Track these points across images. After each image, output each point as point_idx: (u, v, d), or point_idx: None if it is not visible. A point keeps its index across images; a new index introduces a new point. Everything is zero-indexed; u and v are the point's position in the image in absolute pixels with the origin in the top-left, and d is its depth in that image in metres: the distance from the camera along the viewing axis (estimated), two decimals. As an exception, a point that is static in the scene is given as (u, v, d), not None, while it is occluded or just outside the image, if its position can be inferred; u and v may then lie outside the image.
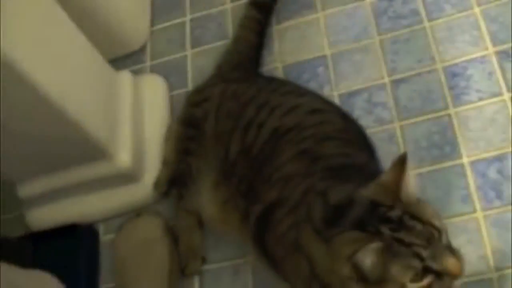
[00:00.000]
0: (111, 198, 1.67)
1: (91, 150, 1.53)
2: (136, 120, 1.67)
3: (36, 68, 1.30)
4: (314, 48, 1.73)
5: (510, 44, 1.56)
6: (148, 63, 1.88)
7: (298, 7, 1.80)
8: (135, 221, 1.58)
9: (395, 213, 1.00)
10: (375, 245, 0.95)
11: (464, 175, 1.44)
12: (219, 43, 1.83)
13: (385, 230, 0.99)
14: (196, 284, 1.53)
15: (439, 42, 1.62)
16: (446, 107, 1.53)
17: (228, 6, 1.89)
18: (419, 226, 0.99)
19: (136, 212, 1.60)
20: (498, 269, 1.33)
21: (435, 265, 0.98)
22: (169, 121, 1.74)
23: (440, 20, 1.65)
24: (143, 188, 1.65)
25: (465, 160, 1.46)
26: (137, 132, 1.65)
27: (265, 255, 1.28)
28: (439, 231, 1.00)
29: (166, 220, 1.57)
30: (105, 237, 1.66)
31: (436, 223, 1.01)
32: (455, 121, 1.51)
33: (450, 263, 0.99)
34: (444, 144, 1.49)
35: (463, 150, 1.47)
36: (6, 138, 1.42)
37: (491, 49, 1.57)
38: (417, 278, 0.97)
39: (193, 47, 1.86)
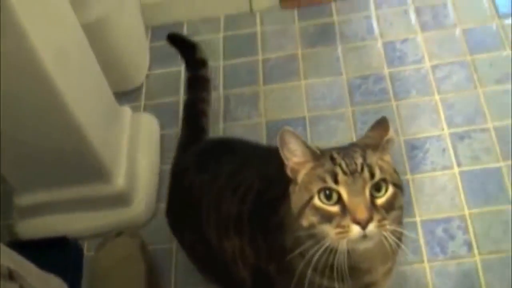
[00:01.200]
0: (101, 218, 1.78)
1: (93, 171, 1.66)
2: (132, 151, 1.81)
3: (63, 82, 1.43)
4: (295, 110, 1.95)
5: (462, 128, 1.84)
6: (142, 102, 2.06)
7: (284, 73, 2.05)
8: (115, 240, 1.68)
9: (352, 148, 1.03)
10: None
11: (415, 231, 1.68)
12: (210, 93, 2.03)
13: (334, 152, 1.02)
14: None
15: (403, 119, 1.88)
16: (405, 173, 1.77)
17: (221, 62, 2.11)
18: (358, 160, 0.99)
19: (116, 232, 1.70)
20: (439, 311, 1.57)
21: (343, 194, 0.97)
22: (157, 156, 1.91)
23: (405, 101, 1.92)
24: (133, 212, 1.79)
25: (417, 218, 1.70)
26: (132, 161, 1.79)
27: None
28: (372, 174, 0.98)
29: (144, 240, 1.69)
30: (87, 254, 1.76)
31: (377, 171, 0.98)
32: (411, 186, 1.76)
33: (355, 201, 0.96)
34: (401, 204, 1.73)
35: (416, 210, 1.72)
36: (19, 147, 1.55)
37: (446, 130, 1.84)
38: (324, 196, 0.98)
39: (185, 93, 2.02)
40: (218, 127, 1.95)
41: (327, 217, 0.98)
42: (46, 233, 1.74)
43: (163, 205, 1.78)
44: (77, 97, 1.51)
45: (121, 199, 1.76)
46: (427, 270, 1.62)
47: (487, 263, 1.61)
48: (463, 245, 1.65)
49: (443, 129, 1.85)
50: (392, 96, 1.94)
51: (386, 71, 2.00)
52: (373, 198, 0.98)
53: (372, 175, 0.98)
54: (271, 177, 1.17)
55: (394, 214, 1.01)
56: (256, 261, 1.24)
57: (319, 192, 0.99)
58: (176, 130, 1.95)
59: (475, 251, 1.63)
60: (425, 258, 1.64)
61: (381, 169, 0.99)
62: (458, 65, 1.98)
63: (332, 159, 1.01)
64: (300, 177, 1.04)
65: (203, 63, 1.69)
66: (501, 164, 1.76)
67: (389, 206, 1.00)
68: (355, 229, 0.96)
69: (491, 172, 1.76)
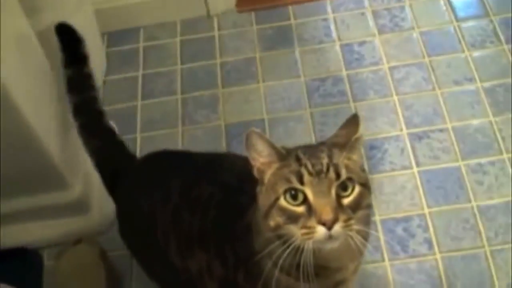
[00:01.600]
0: (60, 227, 1.75)
1: (50, 179, 1.63)
2: (89, 158, 1.75)
3: (21, 96, 1.41)
4: (254, 112, 1.95)
5: (421, 128, 1.86)
6: (99, 108, 2.03)
7: (242, 76, 2.04)
8: (74, 248, 1.66)
9: (319, 148, 1.01)
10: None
11: (376, 230, 1.68)
12: (167, 98, 2.02)
13: (300, 152, 1.01)
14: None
15: (361, 120, 1.86)
16: (364, 174, 1.78)
17: (179, 66, 2.10)
18: (324, 160, 0.98)
19: (74, 241, 1.67)
20: (400, 310, 1.57)
21: (309, 195, 0.96)
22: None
23: (363, 102, 1.93)
24: (91, 219, 1.76)
25: (377, 218, 1.70)
26: (89, 168, 1.71)
27: None
28: (337, 174, 0.96)
29: (103, 248, 1.68)
30: (48, 263, 1.74)
31: (343, 171, 0.97)
32: (371, 185, 1.75)
33: (321, 202, 0.95)
34: (360, 204, 1.73)
35: (376, 210, 1.72)
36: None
37: (405, 131, 1.86)
38: (290, 196, 0.97)
39: (143, 98, 2.04)
40: (177, 131, 1.94)
41: (293, 218, 0.97)
42: (5, 244, 1.70)
43: (121, 211, 1.78)
44: (33, 107, 1.48)
45: (79, 207, 1.74)
46: (388, 268, 1.63)
47: (448, 260, 1.62)
48: (423, 243, 1.65)
49: (401, 130, 1.86)
50: (350, 98, 1.95)
51: (344, 73, 2.01)
52: (339, 198, 0.97)
53: (338, 175, 0.97)
54: (231, 183, 1.16)
55: (361, 213, 0.99)
56: (223, 273, 1.21)
57: (285, 192, 0.98)
58: (134, 135, 1.94)
59: (436, 249, 1.64)
60: (386, 257, 1.64)
61: (347, 168, 0.98)
62: (416, 66, 2.00)
63: (298, 159, 0.99)
64: (267, 177, 1.03)
65: (85, 59, 1.54)
66: (460, 163, 1.78)
67: (356, 205, 0.98)
68: (321, 230, 0.95)
69: (450, 171, 1.77)
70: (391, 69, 2.00)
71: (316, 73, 2.02)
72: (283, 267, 1.03)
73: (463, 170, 1.77)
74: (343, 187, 0.97)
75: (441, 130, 1.84)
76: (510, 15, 2.08)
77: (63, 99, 1.71)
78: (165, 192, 1.31)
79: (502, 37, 2.03)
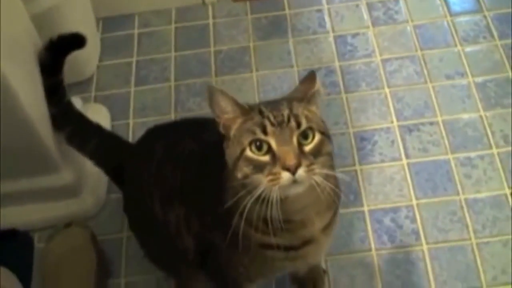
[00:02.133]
0: (51, 210, 1.76)
1: (42, 162, 1.64)
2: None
3: (12, 73, 1.41)
4: (246, 101, 1.84)
5: (411, 121, 1.87)
6: (93, 93, 2.04)
7: (236, 65, 2.05)
8: (65, 231, 1.68)
9: (280, 101, 1.09)
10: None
11: (363, 220, 1.70)
12: (160, 85, 2.03)
13: (262, 106, 1.08)
14: (121, 293, 1.66)
15: (352, 111, 1.90)
16: (354, 164, 1.80)
17: (172, 54, 2.11)
18: (285, 112, 1.04)
19: (65, 223, 1.69)
20: (387, 299, 1.59)
21: (273, 144, 1.02)
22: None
23: (355, 94, 1.94)
24: (82, 203, 1.77)
25: (365, 208, 1.72)
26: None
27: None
28: (298, 124, 1.03)
29: (92, 231, 1.69)
30: (38, 245, 1.74)
31: (303, 121, 1.03)
32: (360, 176, 1.78)
33: (284, 150, 1.01)
34: (349, 193, 1.75)
35: (364, 200, 1.74)
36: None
37: (395, 123, 1.87)
38: (255, 147, 1.03)
39: (136, 84, 2.05)
40: (170, 118, 1.95)
41: (259, 167, 1.03)
42: (-5, 226, 1.70)
43: (113, 196, 1.81)
44: (26, 89, 1.49)
45: (70, 190, 1.74)
46: (375, 258, 1.64)
47: (435, 251, 1.64)
48: (411, 234, 1.67)
49: (392, 122, 1.87)
50: (342, 89, 1.96)
51: (337, 64, 2.02)
52: (301, 145, 1.03)
53: (298, 124, 1.03)
54: (211, 141, 1.19)
55: (322, 159, 1.05)
56: (200, 229, 1.26)
57: (250, 144, 1.03)
58: (126, 121, 1.95)
59: (423, 240, 1.66)
60: (373, 247, 1.66)
61: (307, 118, 1.04)
62: (409, 59, 2.01)
63: (261, 112, 1.06)
64: (232, 132, 1.09)
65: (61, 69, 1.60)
66: (449, 156, 1.79)
67: (317, 152, 1.04)
68: (286, 175, 1.00)
69: (439, 164, 1.79)
70: (384, 61, 2.01)
71: (309, 63, 2.03)
72: (249, 219, 1.08)
73: (452, 163, 1.78)
74: (304, 135, 1.04)
75: (431, 123, 1.86)
76: (503, 11, 2.10)
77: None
78: (151, 152, 1.39)
79: (495, 33, 2.04)
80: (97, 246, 1.67)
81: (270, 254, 1.18)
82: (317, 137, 1.04)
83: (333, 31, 2.10)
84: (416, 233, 1.67)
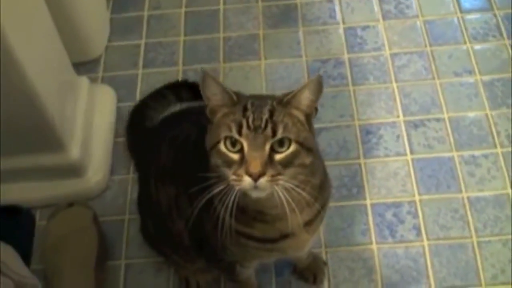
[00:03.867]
0: (54, 188, 1.76)
1: (47, 140, 1.64)
2: (87, 122, 1.80)
3: (22, 49, 1.41)
4: (253, 89, 1.94)
5: (417, 117, 1.87)
6: (100, 74, 2.04)
7: (244, 52, 2.05)
8: (68, 210, 1.69)
9: (266, 102, 1.05)
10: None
11: (365, 214, 1.71)
12: (168, 69, 2.03)
13: (249, 102, 1.05)
14: (122, 274, 1.67)
15: (359, 104, 1.90)
16: (358, 157, 1.80)
17: (181, 38, 2.10)
18: (264, 116, 1.03)
19: (68, 203, 1.70)
20: (385, 292, 1.60)
21: (244, 146, 1.02)
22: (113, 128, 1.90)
23: (362, 87, 1.94)
24: (86, 183, 1.77)
25: (368, 201, 1.73)
26: (87, 132, 1.78)
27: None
28: (274, 131, 1.02)
29: (95, 212, 1.70)
30: (39, 223, 1.75)
31: (280, 130, 1.02)
32: (363, 170, 1.78)
33: (253, 155, 1.01)
34: (352, 186, 1.75)
35: (367, 194, 1.74)
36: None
37: (401, 118, 1.87)
38: (230, 143, 1.04)
39: (144, 67, 2.04)
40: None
41: (228, 163, 1.04)
42: (-1, 200, 1.71)
43: (116, 178, 1.81)
44: (34, 65, 1.48)
45: (75, 170, 1.75)
46: (375, 252, 1.65)
47: (435, 248, 1.65)
48: (412, 229, 1.68)
49: (398, 116, 1.87)
50: (350, 81, 1.95)
51: (345, 56, 2.01)
52: (273, 153, 1.03)
53: (274, 133, 1.02)
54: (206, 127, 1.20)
55: (293, 170, 1.05)
56: (190, 213, 1.26)
57: (225, 139, 1.04)
58: (133, 103, 1.94)
59: (424, 236, 1.66)
60: (373, 240, 1.67)
61: (286, 127, 1.03)
62: (417, 55, 2.01)
63: (245, 109, 1.05)
64: (216, 118, 1.09)
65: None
66: (454, 153, 1.80)
67: (288, 162, 1.04)
68: (247, 180, 1.02)
69: (443, 161, 1.79)
70: (393, 55, 2.00)
71: (318, 54, 2.02)
72: (226, 205, 1.08)
73: (456, 160, 1.78)
74: (280, 143, 1.03)
75: (437, 120, 1.86)
76: (513, 10, 2.10)
77: (66, 61, 1.75)
78: (155, 133, 1.48)
79: (504, 32, 2.04)
80: (98, 227, 1.68)
81: (244, 242, 1.20)
82: (292, 148, 1.04)
83: (343, 22, 2.10)
84: (417, 228, 1.67)
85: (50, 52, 1.65)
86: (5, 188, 1.72)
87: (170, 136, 1.38)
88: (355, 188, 1.75)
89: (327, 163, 1.67)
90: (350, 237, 1.67)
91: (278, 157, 1.03)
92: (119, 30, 2.14)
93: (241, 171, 1.02)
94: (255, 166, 1.01)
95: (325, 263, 1.63)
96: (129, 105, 1.93)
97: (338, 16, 2.11)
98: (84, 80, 1.86)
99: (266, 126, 1.02)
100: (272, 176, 1.02)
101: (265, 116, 1.03)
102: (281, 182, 1.03)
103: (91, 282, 1.59)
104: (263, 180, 1.01)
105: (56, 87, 1.65)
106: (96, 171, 1.79)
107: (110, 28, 2.14)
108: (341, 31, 2.08)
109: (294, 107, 1.06)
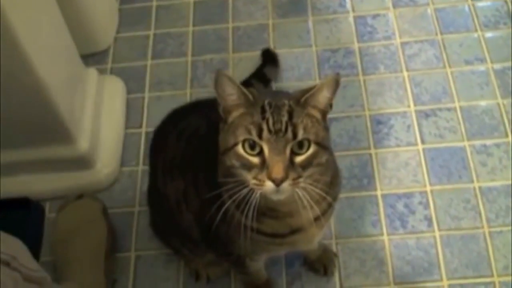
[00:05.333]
0: (64, 180, 1.76)
1: (56, 132, 1.64)
2: (96, 114, 1.80)
3: (30, 41, 1.41)
4: None
5: (428, 106, 1.85)
6: (109, 65, 2.03)
7: (254, 42, 2.03)
8: (77, 202, 1.69)
9: (283, 102, 1.03)
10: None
11: (376, 204, 1.70)
12: (177, 59, 2.02)
13: (266, 103, 1.03)
14: (131, 266, 1.67)
15: (369, 94, 1.89)
16: (368, 147, 1.79)
17: (190, 28, 2.09)
18: (284, 119, 1.01)
19: (77, 195, 1.70)
20: (396, 283, 1.59)
21: (265, 150, 1.01)
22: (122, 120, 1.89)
23: (373, 76, 1.93)
24: (95, 175, 1.77)
25: (378, 192, 1.72)
26: (96, 124, 1.78)
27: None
28: (294, 134, 1.01)
29: (104, 204, 1.70)
30: (49, 215, 1.75)
31: (300, 132, 1.01)
32: (374, 160, 1.77)
33: (274, 160, 1.00)
34: (363, 177, 1.74)
35: (378, 184, 1.73)
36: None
37: (412, 107, 1.85)
38: (248, 146, 1.02)
39: (153, 58, 2.03)
40: (185, 93, 1.94)
41: (248, 166, 1.03)
42: (8, 194, 1.71)
43: (126, 169, 1.81)
44: (43, 57, 1.48)
45: (84, 162, 1.75)
46: (386, 243, 1.64)
47: (446, 239, 1.63)
48: (423, 220, 1.66)
49: (409, 106, 1.86)
50: (360, 71, 1.94)
51: (356, 45, 2.00)
52: (293, 155, 1.02)
53: (294, 135, 1.01)
54: (216, 121, 1.17)
55: (311, 170, 1.04)
56: (199, 205, 1.27)
57: (244, 141, 1.02)
58: (142, 95, 1.95)
59: (435, 226, 1.65)
60: (384, 231, 1.66)
61: (305, 128, 1.02)
62: (428, 43, 1.99)
63: (263, 111, 1.02)
64: (231, 118, 1.07)
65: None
66: (465, 143, 1.78)
67: (308, 163, 1.03)
68: (270, 185, 1.01)
69: (454, 151, 1.77)
70: (403, 44, 1.99)
71: (328, 43, 2.01)
72: (236, 200, 1.08)
73: (468, 150, 1.77)
74: (299, 145, 1.02)
75: (448, 109, 1.84)
76: (526, -3, 2.07)
77: (74, 53, 1.75)
78: (162, 128, 1.45)
79: (516, 19, 2.02)
80: (107, 219, 1.68)
81: (254, 236, 1.19)
82: (312, 149, 1.03)
83: (353, 11, 2.08)
84: (428, 219, 1.66)
85: (58, 44, 1.65)
86: (14, 181, 1.74)
87: (179, 128, 1.37)
88: (365, 178, 1.74)
89: (337, 153, 1.66)
90: (361, 228, 1.66)
91: (298, 159, 1.02)
92: (127, 21, 2.13)
93: (263, 175, 1.01)
94: (278, 171, 0.99)
95: (336, 255, 1.62)
96: (139, 96, 1.94)
97: (348, 5, 2.09)
98: (92, 72, 1.86)
99: (286, 129, 1.01)
100: (294, 179, 1.01)
101: (285, 118, 1.01)
102: (302, 184, 1.03)
103: (100, 274, 1.60)
104: (285, 185, 1.00)
105: (64, 79, 1.65)
106: (106, 163, 1.79)
107: (118, 19, 2.13)
108: (351, 19, 2.06)
109: (312, 107, 1.05)
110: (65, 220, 1.67)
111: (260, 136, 1.01)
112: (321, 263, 1.59)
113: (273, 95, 1.08)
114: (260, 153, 1.01)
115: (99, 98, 1.84)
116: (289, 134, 1.00)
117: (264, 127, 1.01)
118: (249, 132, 1.01)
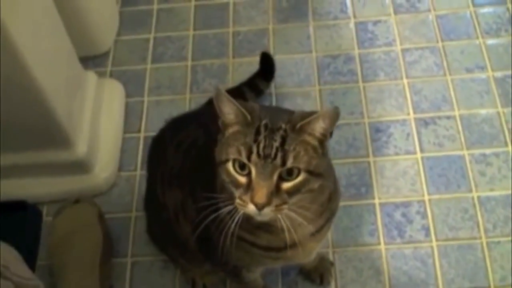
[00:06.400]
0: (61, 184, 1.76)
1: (54, 136, 1.64)
2: (95, 117, 1.79)
3: (28, 45, 1.40)
4: None
5: (428, 114, 1.84)
6: (109, 68, 2.03)
7: (254, 47, 2.02)
8: (73, 207, 1.68)
9: (280, 126, 1.01)
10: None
11: (374, 213, 1.69)
12: (177, 64, 2.01)
13: (262, 125, 1.01)
14: (128, 272, 1.67)
15: (369, 101, 1.88)
16: (367, 156, 1.78)
17: (191, 32, 2.08)
18: (275, 144, 1.00)
19: (74, 199, 1.70)
20: (392, 293, 1.59)
21: (253, 173, 1.00)
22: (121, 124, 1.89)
23: (373, 83, 1.92)
24: (93, 180, 1.77)
25: (376, 201, 1.71)
26: (94, 128, 1.78)
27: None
28: (283, 161, 0.99)
29: (100, 209, 1.69)
30: (46, 219, 1.75)
31: (290, 160, 0.99)
32: (372, 168, 1.76)
33: (260, 185, 0.99)
34: (361, 185, 1.74)
35: (376, 193, 1.72)
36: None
37: (412, 115, 1.85)
38: (238, 166, 1.02)
39: (153, 62, 2.03)
40: (185, 98, 1.94)
41: (235, 184, 1.03)
42: (5, 197, 1.71)
43: (124, 174, 1.81)
44: (41, 61, 1.48)
45: (82, 166, 1.74)
46: (383, 252, 1.63)
47: (444, 249, 1.63)
48: (421, 230, 1.66)
49: (408, 114, 1.85)
50: (360, 78, 1.93)
51: (356, 51, 1.99)
52: (281, 181, 1.01)
53: (283, 162, 1.00)
54: (214, 132, 1.16)
55: (298, 197, 1.03)
56: (196, 216, 1.24)
57: (233, 160, 1.02)
58: (141, 98, 1.94)
59: (433, 236, 1.65)
60: (382, 241, 1.65)
61: (296, 156, 1.00)
62: (429, 50, 1.98)
63: (257, 133, 1.01)
64: (228, 133, 1.06)
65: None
66: (464, 152, 1.77)
67: (295, 191, 1.02)
68: (251, 207, 1.01)
69: (453, 160, 1.77)
70: (404, 51, 1.98)
71: (328, 49, 2.00)
72: (231, 211, 1.07)
73: (467, 159, 1.76)
74: (289, 172, 1.01)
75: (448, 117, 1.83)
76: (528, 5, 2.06)
77: (73, 56, 1.74)
78: (161, 136, 1.46)
79: (517, 27, 2.01)
80: (103, 224, 1.68)
81: (248, 249, 1.19)
82: (301, 177, 1.01)
83: (355, 17, 2.07)
84: (426, 229, 1.66)
85: (56, 47, 1.64)
86: (12, 184, 1.73)
87: (178, 138, 1.37)
88: (363, 187, 1.73)
89: (336, 161, 1.66)
90: (358, 237, 1.66)
91: (285, 185, 1.01)
92: (128, 24, 2.13)
93: (246, 197, 1.01)
94: (261, 196, 0.99)
95: (332, 264, 1.62)
96: (138, 100, 1.93)
97: (349, 11, 2.09)
98: (91, 75, 1.86)
99: (276, 155, 0.99)
100: (277, 206, 1.01)
101: (276, 143, 1.00)
102: (285, 211, 1.02)
103: (96, 279, 1.59)
104: (267, 210, 1.00)
105: (62, 82, 1.64)
106: (104, 167, 1.79)
107: (119, 22, 2.13)
108: (352, 25, 2.06)
109: (308, 134, 1.02)
110: (62, 224, 1.67)
111: (249, 158, 1.00)
112: (317, 272, 1.59)
113: (274, 114, 1.05)
114: (249, 174, 1.01)
115: (98, 101, 1.83)
116: (278, 160, 0.99)
117: (254, 150, 1.00)
118: (239, 153, 1.01)
